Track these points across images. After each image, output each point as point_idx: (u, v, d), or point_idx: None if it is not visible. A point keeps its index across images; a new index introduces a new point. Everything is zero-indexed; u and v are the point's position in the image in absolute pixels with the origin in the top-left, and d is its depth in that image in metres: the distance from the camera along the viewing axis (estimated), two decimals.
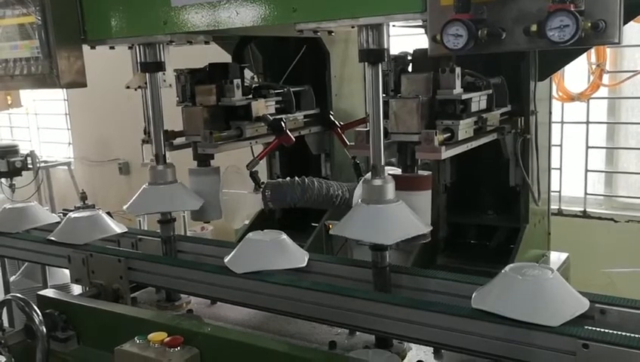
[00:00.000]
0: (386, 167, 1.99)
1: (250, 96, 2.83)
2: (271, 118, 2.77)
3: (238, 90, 2.70)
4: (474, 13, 1.56)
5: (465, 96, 2.20)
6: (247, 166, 2.75)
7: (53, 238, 2.55)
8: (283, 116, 2.86)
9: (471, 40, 1.55)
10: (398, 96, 2.18)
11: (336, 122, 3.06)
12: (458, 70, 2.17)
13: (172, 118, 2.63)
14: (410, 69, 2.26)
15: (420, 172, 2.21)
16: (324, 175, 3.31)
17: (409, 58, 2.26)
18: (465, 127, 2.18)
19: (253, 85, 2.95)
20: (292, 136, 2.79)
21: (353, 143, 2.21)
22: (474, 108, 2.27)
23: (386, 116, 2.07)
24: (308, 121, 3.15)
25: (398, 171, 2.20)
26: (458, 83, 2.17)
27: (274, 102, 2.94)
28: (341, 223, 2.00)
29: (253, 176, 2.75)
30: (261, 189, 2.72)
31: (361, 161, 2.86)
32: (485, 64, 2.43)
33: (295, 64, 3.20)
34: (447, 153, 2.10)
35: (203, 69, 2.78)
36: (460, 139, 2.15)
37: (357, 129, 2.28)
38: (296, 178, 2.73)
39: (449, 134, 2.12)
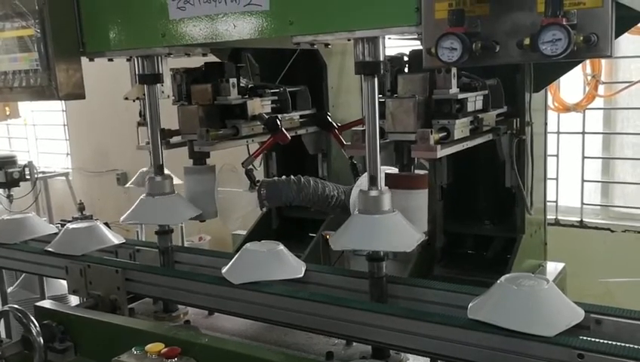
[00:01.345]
0: (383, 166, 1.99)
1: (246, 95, 2.83)
2: (266, 116, 2.77)
3: (233, 88, 2.72)
4: (468, 27, 1.58)
5: (461, 96, 2.20)
6: (242, 164, 2.74)
7: (50, 249, 2.55)
8: (279, 115, 2.86)
9: (465, 53, 1.56)
10: (394, 96, 2.19)
11: (334, 123, 3.07)
12: (454, 70, 2.17)
13: (167, 119, 2.64)
14: (406, 69, 2.27)
15: (417, 171, 2.21)
16: (321, 175, 3.30)
17: (405, 59, 2.28)
18: (461, 127, 2.19)
19: (249, 85, 2.95)
20: (287, 135, 2.79)
21: (350, 143, 2.21)
22: (470, 108, 2.28)
23: (382, 116, 2.08)
24: (304, 121, 3.15)
25: (395, 170, 2.20)
26: (454, 83, 2.18)
27: (270, 102, 2.95)
28: (338, 234, 2.01)
29: (249, 174, 2.74)
30: (256, 187, 2.72)
31: (359, 162, 2.85)
32: (482, 73, 2.44)
33: (292, 75, 3.20)
34: (442, 152, 2.09)
35: (199, 68, 2.79)
36: (455, 138, 2.16)
37: (353, 129, 2.28)
38: (292, 177, 2.73)
39: (445, 133, 2.13)
